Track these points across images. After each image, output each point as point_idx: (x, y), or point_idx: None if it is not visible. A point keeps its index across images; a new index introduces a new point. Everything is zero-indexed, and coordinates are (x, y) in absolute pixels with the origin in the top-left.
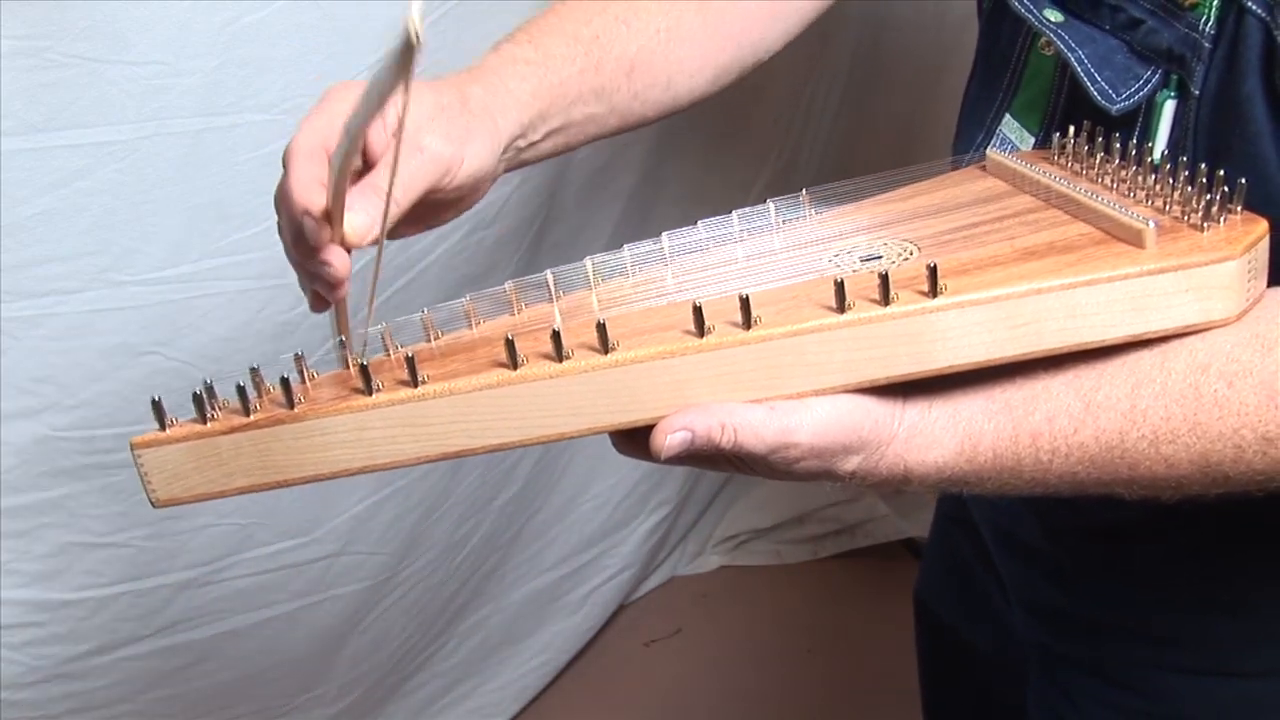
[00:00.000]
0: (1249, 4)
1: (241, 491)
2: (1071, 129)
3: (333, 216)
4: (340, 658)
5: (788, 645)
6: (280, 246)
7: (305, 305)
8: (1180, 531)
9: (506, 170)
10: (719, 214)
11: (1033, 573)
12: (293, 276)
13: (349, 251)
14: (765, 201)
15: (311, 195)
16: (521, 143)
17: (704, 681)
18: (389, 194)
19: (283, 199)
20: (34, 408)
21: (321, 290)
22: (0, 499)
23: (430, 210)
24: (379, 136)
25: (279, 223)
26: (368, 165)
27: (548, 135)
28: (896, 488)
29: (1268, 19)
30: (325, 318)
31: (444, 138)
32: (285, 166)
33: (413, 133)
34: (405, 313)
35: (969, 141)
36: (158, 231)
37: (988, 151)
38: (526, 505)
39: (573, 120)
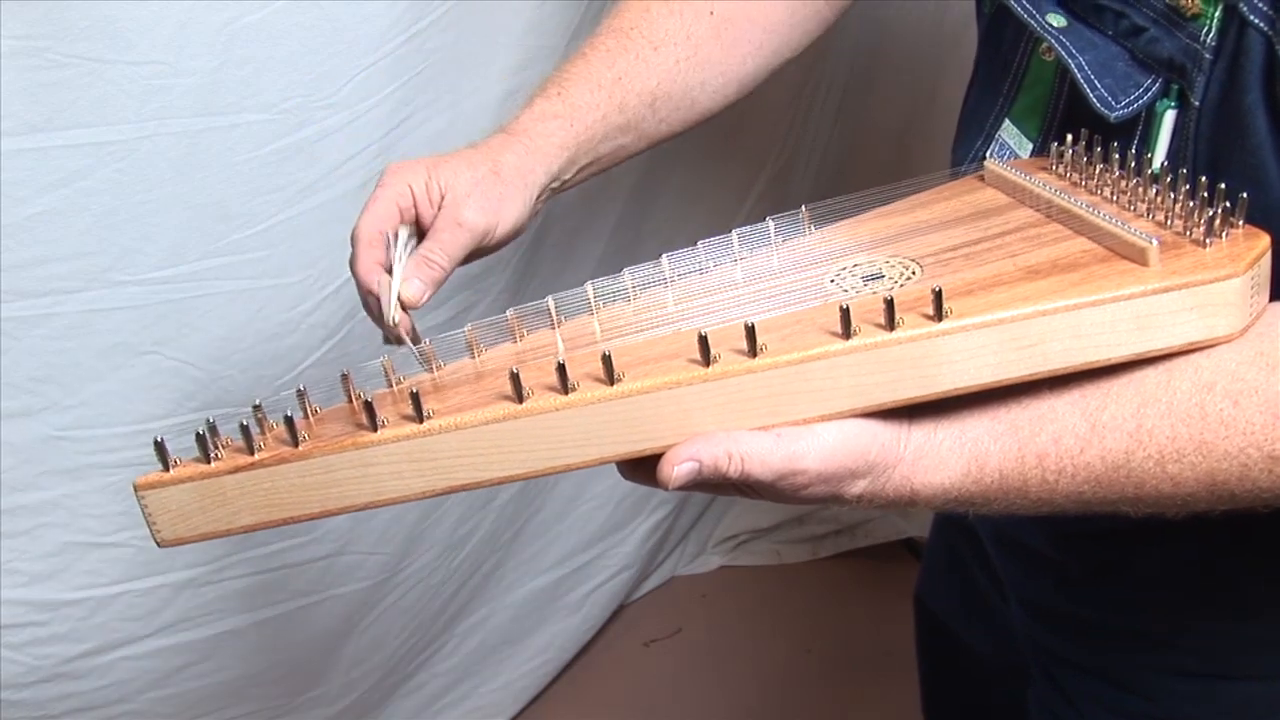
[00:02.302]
0: (1251, 17)
1: (247, 530)
2: (1069, 137)
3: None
4: (340, 658)
5: (788, 645)
6: (280, 246)
7: (305, 305)
8: (1185, 537)
9: (550, 199)
10: (717, 215)
11: (1036, 576)
12: (292, 276)
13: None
14: (764, 218)
15: (373, 278)
16: (555, 184)
17: (704, 681)
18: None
19: (353, 273)
20: (34, 408)
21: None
22: (0, 499)
23: (476, 254)
24: (427, 211)
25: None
26: (420, 234)
27: (579, 172)
28: (903, 508)
29: (1270, 33)
30: (325, 317)
31: (480, 210)
32: (353, 248)
33: (452, 208)
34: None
35: (968, 146)
36: (158, 231)
37: (986, 162)
38: (526, 505)
39: (601, 154)
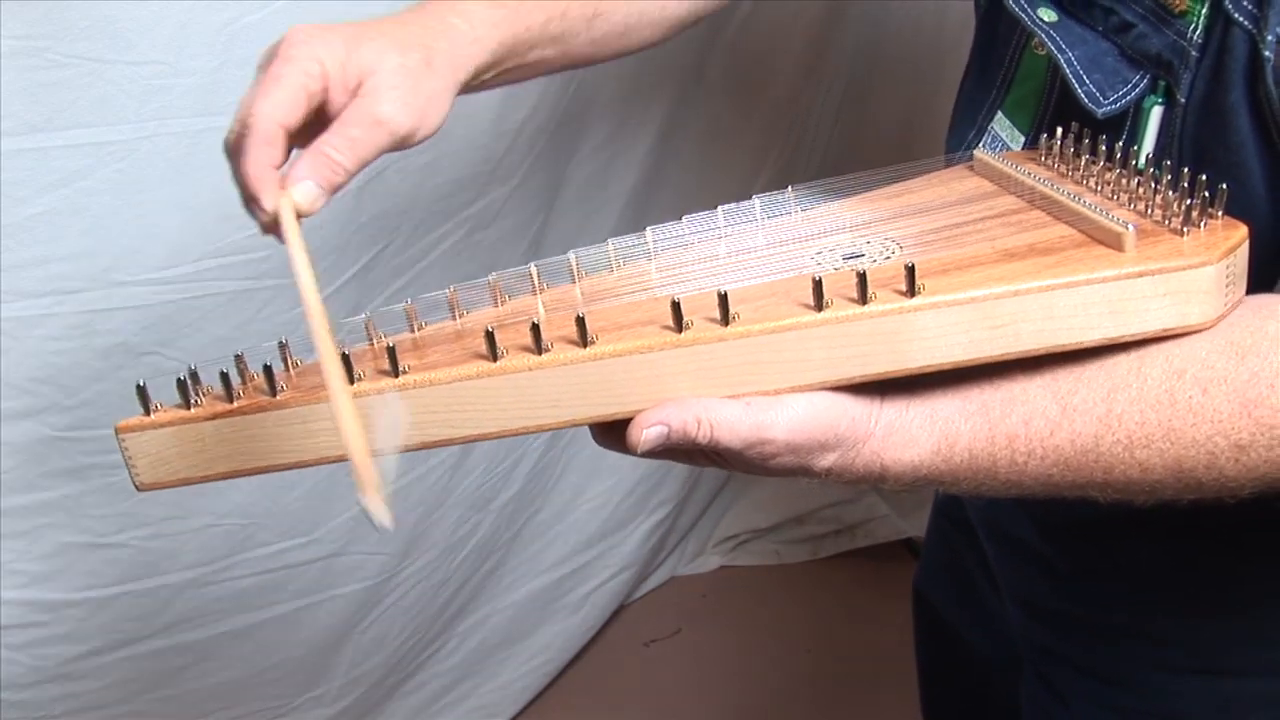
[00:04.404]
0: (1236, 15)
1: (224, 476)
2: (1059, 130)
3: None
4: (340, 658)
5: (787, 645)
6: (280, 246)
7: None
8: (1174, 531)
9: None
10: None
11: (1029, 571)
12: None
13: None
14: (751, 198)
15: (263, 184)
16: (473, 81)
17: (704, 681)
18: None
19: (235, 170)
20: (34, 408)
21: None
22: (0, 499)
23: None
24: (340, 97)
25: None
26: (322, 122)
27: (498, 75)
28: (872, 485)
29: (1253, 31)
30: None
31: (404, 107)
32: (241, 136)
33: (371, 100)
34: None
35: (961, 138)
36: (158, 231)
37: (975, 151)
38: (526, 505)
39: (525, 63)
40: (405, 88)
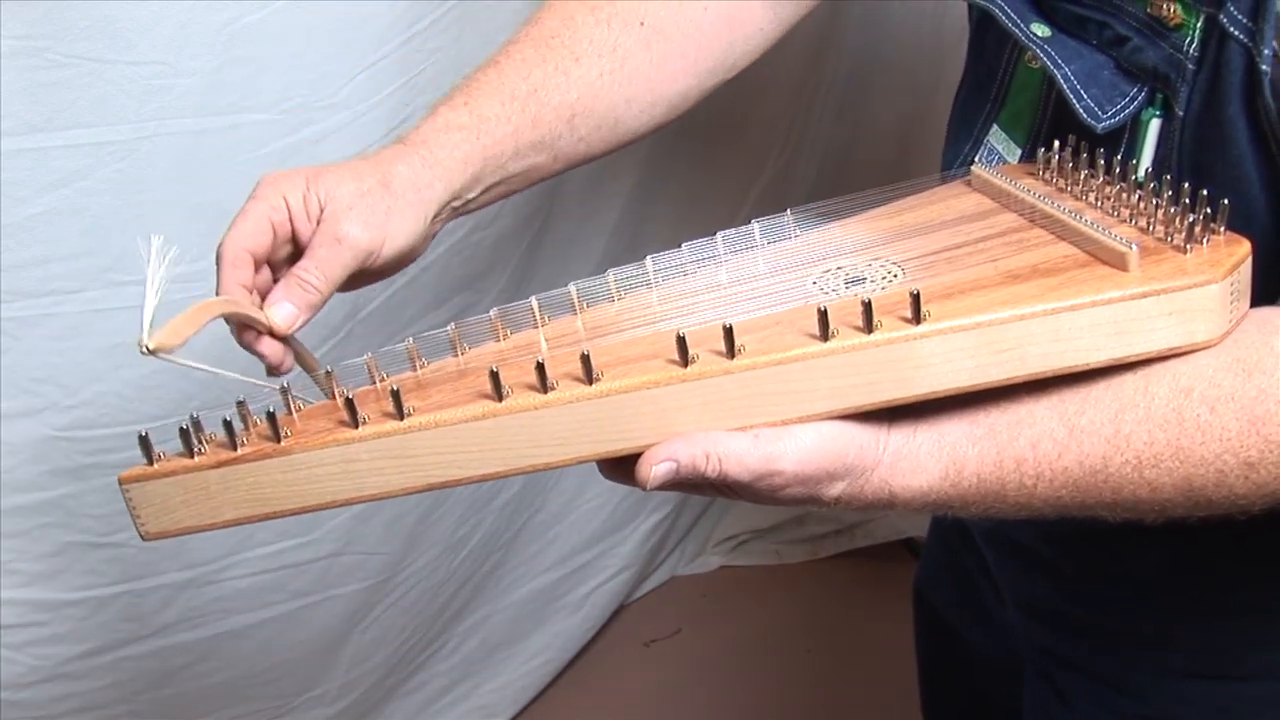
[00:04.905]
0: (1231, 29)
1: (230, 524)
2: (1056, 144)
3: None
4: (340, 658)
5: (787, 645)
6: None
7: None
8: (1178, 536)
9: (449, 221)
10: (717, 217)
11: (1031, 575)
12: None
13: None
14: (749, 222)
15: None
16: (456, 203)
17: (704, 681)
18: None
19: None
20: (34, 408)
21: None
22: (0, 499)
23: (361, 279)
24: (305, 226)
25: None
26: (297, 251)
27: (485, 191)
28: (882, 510)
29: (1249, 44)
30: (326, 316)
31: (363, 224)
32: (216, 268)
33: (331, 222)
34: (405, 312)
35: (957, 151)
36: (158, 231)
37: (973, 167)
38: (526, 505)
39: (512, 173)
40: (361, 207)
